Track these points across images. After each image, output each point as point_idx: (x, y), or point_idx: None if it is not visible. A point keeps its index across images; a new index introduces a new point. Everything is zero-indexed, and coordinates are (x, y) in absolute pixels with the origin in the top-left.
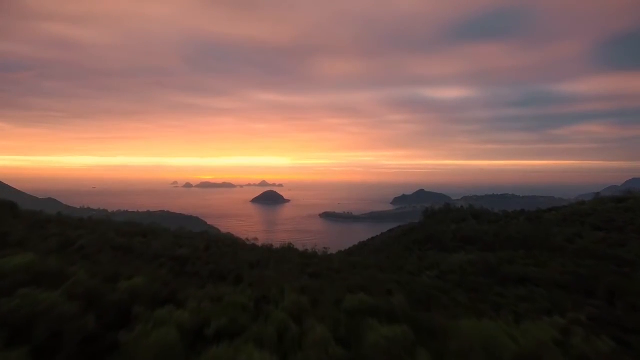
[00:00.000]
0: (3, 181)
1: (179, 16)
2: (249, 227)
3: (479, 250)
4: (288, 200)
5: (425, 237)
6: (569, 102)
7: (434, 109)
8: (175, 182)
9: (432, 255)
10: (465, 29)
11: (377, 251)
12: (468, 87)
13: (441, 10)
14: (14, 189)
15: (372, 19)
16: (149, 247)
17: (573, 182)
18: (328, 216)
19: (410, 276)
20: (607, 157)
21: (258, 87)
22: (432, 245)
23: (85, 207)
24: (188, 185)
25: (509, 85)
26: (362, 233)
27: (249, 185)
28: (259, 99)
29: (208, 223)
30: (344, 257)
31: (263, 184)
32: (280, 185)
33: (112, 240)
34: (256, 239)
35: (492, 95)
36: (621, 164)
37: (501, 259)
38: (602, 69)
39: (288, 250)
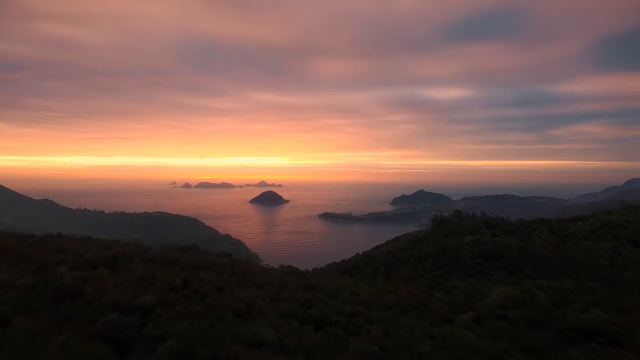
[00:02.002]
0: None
1: (177, 16)
2: (248, 228)
3: (501, 268)
4: (287, 201)
5: (437, 250)
6: (567, 102)
7: (432, 109)
8: (174, 182)
9: (459, 286)
10: (463, 29)
11: (387, 269)
12: (467, 87)
13: (439, 10)
14: (10, 190)
15: (371, 19)
16: (104, 292)
17: (573, 182)
18: (327, 217)
19: (442, 323)
20: (606, 158)
21: (257, 87)
22: (447, 260)
23: (82, 208)
24: (187, 185)
25: (507, 85)
26: (362, 234)
27: (248, 185)
28: (258, 99)
29: (206, 224)
30: (351, 283)
31: (262, 184)
32: (279, 186)
33: (57, 280)
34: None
35: (490, 96)
36: (620, 164)
37: (551, 295)
38: (600, 70)
39: (287, 274)
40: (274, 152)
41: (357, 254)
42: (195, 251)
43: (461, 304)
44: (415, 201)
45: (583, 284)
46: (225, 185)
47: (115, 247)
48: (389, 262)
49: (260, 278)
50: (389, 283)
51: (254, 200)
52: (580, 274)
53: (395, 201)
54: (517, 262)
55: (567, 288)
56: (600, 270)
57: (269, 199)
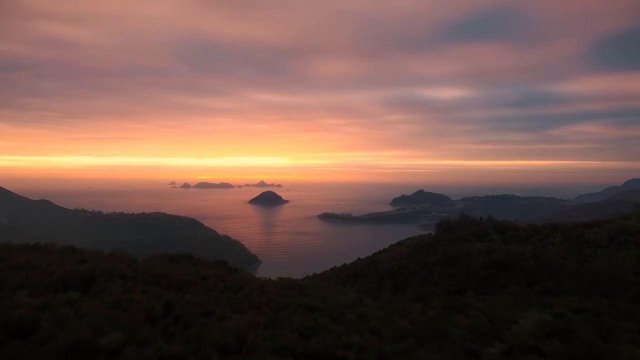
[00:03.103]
0: None
1: (177, 16)
2: (247, 228)
3: (516, 280)
4: (287, 201)
5: (445, 258)
6: (567, 102)
7: (432, 109)
8: (173, 183)
9: (479, 307)
10: (462, 28)
11: (394, 282)
12: (466, 87)
13: (439, 10)
14: (8, 190)
15: (370, 19)
16: (64, 327)
17: (572, 182)
18: (327, 217)
19: (467, 358)
20: (606, 158)
21: (256, 87)
22: (456, 270)
23: (80, 208)
24: (186, 185)
25: (507, 85)
26: (363, 235)
27: (247, 185)
28: (257, 99)
29: (205, 225)
30: (357, 301)
31: (261, 184)
32: (279, 186)
33: (10, 312)
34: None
35: (490, 96)
36: (619, 164)
37: (588, 320)
38: (600, 70)
39: (286, 289)
40: (274, 152)
41: (359, 258)
42: (187, 261)
43: (485, 332)
44: (415, 201)
45: (620, 305)
46: (225, 186)
47: (95, 261)
48: (394, 270)
49: (255, 295)
50: (398, 302)
51: (254, 201)
52: (611, 290)
53: (395, 201)
54: (532, 272)
55: (604, 310)
56: (633, 287)
57: (268, 199)
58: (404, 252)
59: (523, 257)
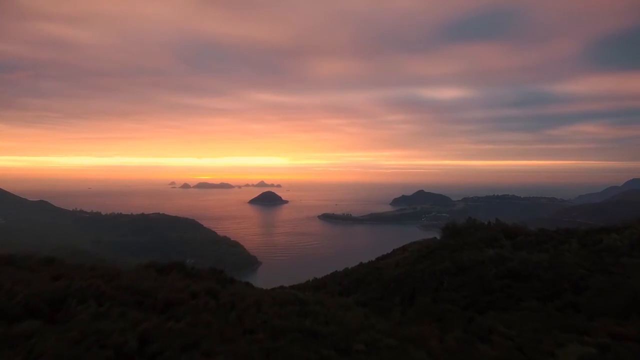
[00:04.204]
0: None
1: (176, 16)
2: (247, 229)
3: (534, 292)
4: (286, 201)
5: (455, 266)
6: (567, 102)
7: (432, 109)
8: (172, 183)
9: (503, 332)
10: (462, 28)
11: (400, 291)
12: (466, 87)
13: (439, 10)
14: (4, 191)
15: (369, 18)
16: None
17: (573, 182)
18: (327, 217)
19: None
20: (606, 158)
21: (255, 87)
22: (467, 279)
23: (78, 209)
24: (186, 185)
25: (507, 85)
26: (363, 236)
27: (247, 185)
28: (257, 99)
29: (205, 226)
30: (364, 320)
31: (261, 184)
32: (279, 186)
33: None
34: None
35: (490, 96)
36: (619, 164)
37: (635, 352)
38: (600, 70)
39: (285, 305)
40: (273, 152)
41: (361, 263)
42: (179, 271)
43: None
44: (415, 202)
45: None
46: (224, 186)
47: (71, 277)
48: (399, 278)
49: (250, 314)
50: (409, 321)
51: (253, 201)
52: None
53: (395, 201)
54: (551, 284)
55: None
56: None
57: (268, 199)
58: (408, 258)
59: (540, 266)
